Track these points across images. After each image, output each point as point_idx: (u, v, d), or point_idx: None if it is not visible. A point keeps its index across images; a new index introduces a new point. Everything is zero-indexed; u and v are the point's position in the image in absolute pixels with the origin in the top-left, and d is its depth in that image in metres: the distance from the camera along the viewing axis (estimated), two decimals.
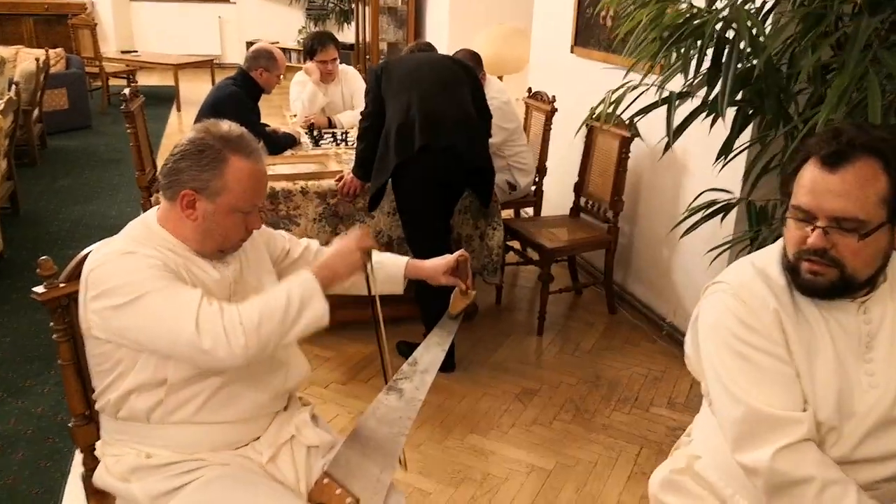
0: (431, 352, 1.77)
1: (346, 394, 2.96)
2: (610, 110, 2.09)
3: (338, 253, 1.53)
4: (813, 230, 1.27)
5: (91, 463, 1.65)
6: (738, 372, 1.30)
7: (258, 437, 1.58)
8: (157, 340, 1.35)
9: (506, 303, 3.88)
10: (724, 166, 2.18)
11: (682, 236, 2.44)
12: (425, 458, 2.58)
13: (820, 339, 1.32)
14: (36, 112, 6.14)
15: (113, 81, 8.64)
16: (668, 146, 2.07)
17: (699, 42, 2.02)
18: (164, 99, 8.78)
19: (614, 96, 2.08)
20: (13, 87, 4.86)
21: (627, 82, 2.12)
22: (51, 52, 6.92)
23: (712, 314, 1.37)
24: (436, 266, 1.75)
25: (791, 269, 1.32)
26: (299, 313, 1.40)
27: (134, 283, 1.35)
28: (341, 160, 3.49)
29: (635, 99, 2.23)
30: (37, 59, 5.95)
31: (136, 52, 9.64)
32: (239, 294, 1.53)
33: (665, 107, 2.14)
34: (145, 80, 9.71)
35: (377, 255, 1.78)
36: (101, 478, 1.55)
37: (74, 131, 7.16)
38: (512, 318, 3.72)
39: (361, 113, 3.08)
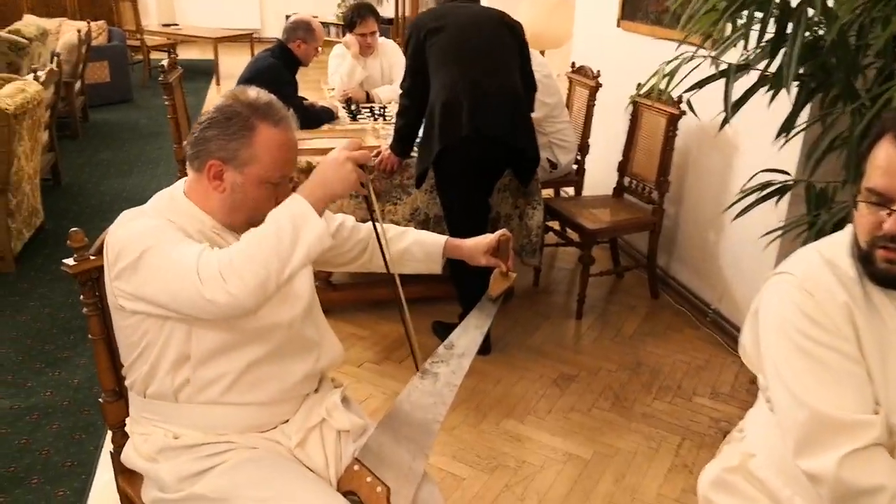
0: (469, 335, 1.68)
1: (380, 373, 2.91)
2: (663, 85, 1.97)
3: (325, 164, 1.30)
4: (889, 214, 1.16)
5: (120, 440, 1.61)
6: (802, 371, 1.20)
7: (287, 420, 1.53)
8: (166, 293, 1.27)
9: (544, 285, 3.78)
10: (784, 143, 2.05)
11: (734, 219, 2.32)
12: (459, 442, 2.52)
13: (893, 336, 1.21)
14: (78, 84, 6.19)
15: (154, 55, 8.68)
16: (724, 122, 1.94)
17: (760, 13, 1.88)
18: (204, 72, 8.80)
19: (668, 68, 1.96)
20: (55, 58, 4.88)
21: (682, 54, 2.00)
22: (93, 24, 6.96)
23: (776, 307, 1.27)
24: (476, 245, 1.67)
25: (864, 257, 1.21)
26: (294, 238, 1.22)
27: (139, 239, 1.29)
28: (379, 135, 3.42)
29: (688, 74, 2.11)
30: (79, 31, 5.98)
31: (177, 25, 9.67)
32: None
33: (719, 81, 2.01)
34: (185, 53, 9.74)
35: (393, 232, 1.70)
36: (128, 457, 1.51)
37: (116, 104, 7.21)
38: (550, 301, 3.62)
39: (401, 86, 2.97)
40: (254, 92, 1.40)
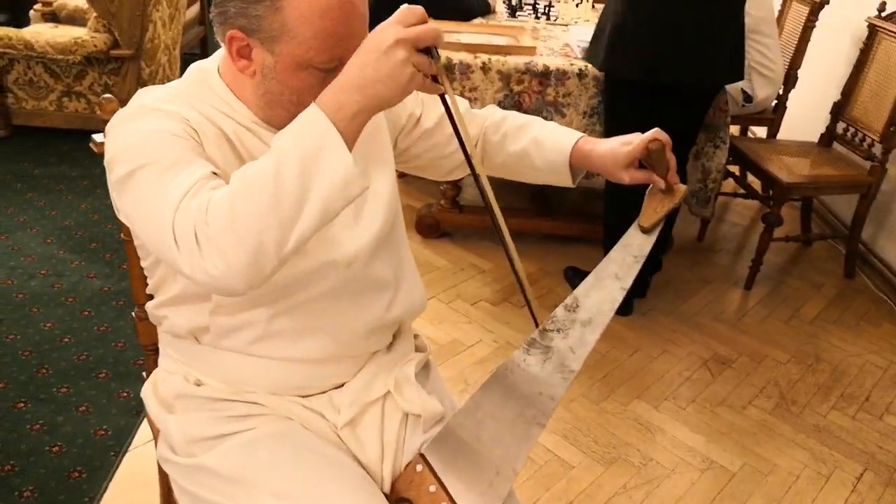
0: (604, 289, 1.12)
1: (495, 317, 2.49)
2: None
3: (363, 53, 0.81)
4: None
5: (153, 366, 1.31)
6: None
7: (342, 384, 1.14)
8: (149, 241, 0.90)
9: (709, 241, 3.15)
10: None
11: None
12: (575, 420, 2.08)
13: None
14: None
15: None
16: None
17: None
18: None
19: None
20: None
21: None
22: None
23: None
24: (612, 154, 1.11)
25: None
26: (302, 187, 0.78)
27: (136, 149, 0.90)
28: (538, 35, 2.88)
29: None
30: None
31: None
32: None
33: None
34: None
35: (509, 125, 1.21)
36: (146, 395, 1.20)
37: None
38: (714, 262, 3.01)
39: None
40: None
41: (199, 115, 0.95)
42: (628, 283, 1.14)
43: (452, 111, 0.90)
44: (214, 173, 0.88)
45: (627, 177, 1.13)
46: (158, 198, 0.85)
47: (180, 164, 0.87)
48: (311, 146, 0.79)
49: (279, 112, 0.97)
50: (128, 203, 0.91)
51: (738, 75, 2.28)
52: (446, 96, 0.89)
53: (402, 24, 0.80)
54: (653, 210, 1.16)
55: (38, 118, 3.39)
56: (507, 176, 1.29)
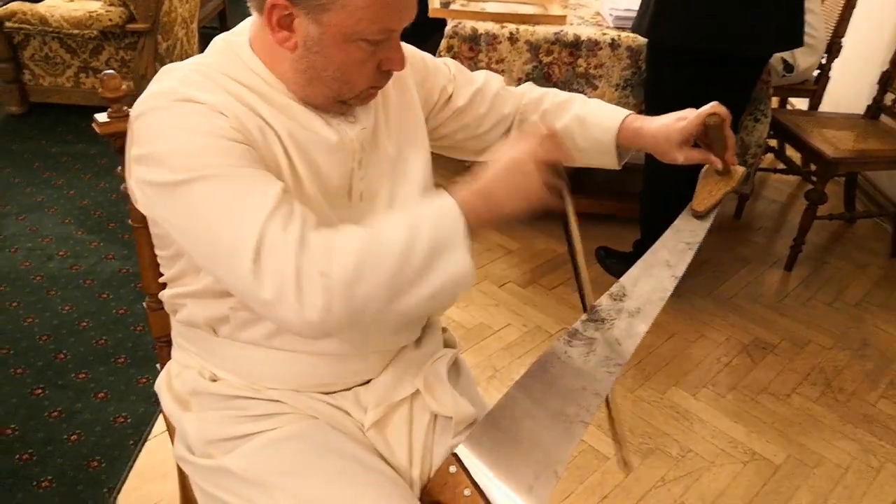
0: (654, 277, 1.09)
1: (524, 299, 2.40)
2: None
3: (504, 169, 0.85)
4: None
5: (167, 357, 1.24)
6: None
7: (368, 381, 1.06)
8: (203, 256, 0.84)
9: (747, 219, 3.02)
10: None
11: None
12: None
13: None
14: None
15: None
16: None
17: None
18: None
19: None
20: None
21: None
22: None
23: None
24: (665, 131, 1.04)
25: None
26: (426, 266, 0.80)
27: (188, 155, 0.82)
28: (567, 4, 2.75)
29: None
30: None
31: None
32: (369, 169, 0.98)
33: None
34: None
35: (549, 102, 1.14)
36: (161, 391, 1.13)
37: None
38: (752, 241, 2.88)
39: None
40: None
41: (236, 101, 0.87)
42: (681, 270, 1.07)
43: (571, 229, 0.94)
44: (284, 190, 0.84)
45: (682, 156, 1.04)
46: (229, 219, 0.80)
47: (244, 178, 0.82)
48: (443, 238, 0.81)
49: (321, 89, 0.89)
50: (177, 215, 0.84)
51: (797, 41, 2.13)
52: (568, 215, 0.93)
53: (540, 146, 0.85)
54: (707, 193, 1.09)
55: (56, 95, 3.32)
56: None
